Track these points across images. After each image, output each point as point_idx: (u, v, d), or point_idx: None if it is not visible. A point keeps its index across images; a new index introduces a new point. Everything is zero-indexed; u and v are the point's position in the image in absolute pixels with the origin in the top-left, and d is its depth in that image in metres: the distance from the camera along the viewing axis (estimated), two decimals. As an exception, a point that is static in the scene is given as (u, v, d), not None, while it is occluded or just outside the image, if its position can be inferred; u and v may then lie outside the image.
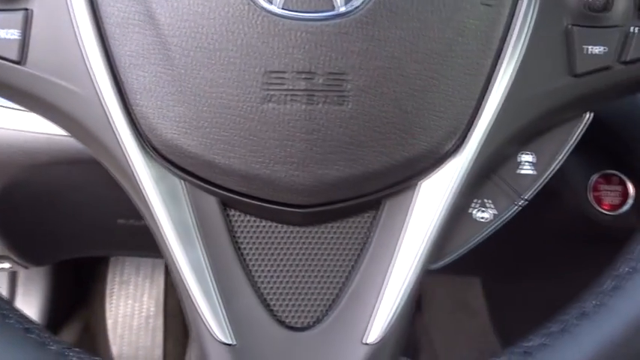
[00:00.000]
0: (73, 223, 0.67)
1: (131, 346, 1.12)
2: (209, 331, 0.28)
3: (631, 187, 0.53)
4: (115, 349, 1.10)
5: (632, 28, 0.29)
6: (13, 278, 0.99)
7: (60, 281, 1.05)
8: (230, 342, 0.28)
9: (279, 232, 0.30)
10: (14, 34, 0.28)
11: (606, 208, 0.54)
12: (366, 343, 0.29)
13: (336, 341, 0.29)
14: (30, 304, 0.99)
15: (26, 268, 0.91)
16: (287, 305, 0.30)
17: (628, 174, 0.53)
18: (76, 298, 1.13)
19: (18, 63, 0.28)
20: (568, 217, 0.59)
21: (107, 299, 1.12)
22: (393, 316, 0.29)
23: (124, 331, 1.13)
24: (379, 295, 0.29)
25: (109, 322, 1.12)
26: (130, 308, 1.13)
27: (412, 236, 0.30)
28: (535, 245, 0.69)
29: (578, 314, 0.30)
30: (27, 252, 0.75)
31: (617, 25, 0.29)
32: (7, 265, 0.74)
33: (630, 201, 0.53)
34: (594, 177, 0.55)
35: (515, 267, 0.80)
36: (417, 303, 1.18)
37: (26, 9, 0.27)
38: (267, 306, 0.30)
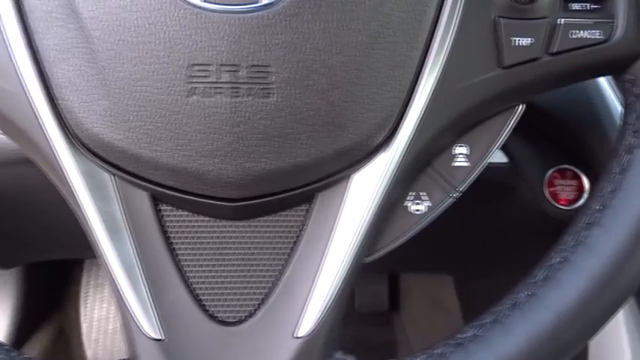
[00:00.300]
0: (34, 225, 0.66)
1: (106, 350, 1.11)
2: (137, 325, 0.28)
3: (586, 181, 0.53)
4: (90, 353, 1.08)
5: (558, 20, 0.30)
6: (-17, 283, 0.98)
7: (33, 284, 1.03)
8: (159, 337, 0.28)
9: (212, 226, 0.30)
10: None
11: (563, 203, 0.55)
12: (298, 337, 0.29)
13: (266, 335, 0.29)
14: (1, 308, 0.97)
15: (-8, 271, 0.90)
16: (219, 300, 0.30)
17: (582, 168, 0.53)
18: (51, 301, 1.12)
19: None
20: (527, 214, 0.59)
21: (82, 302, 1.11)
22: (325, 308, 0.29)
23: (99, 335, 1.12)
24: (311, 288, 0.29)
25: (84, 326, 1.11)
26: (105, 311, 1.12)
27: (345, 229, 0.30)
28: (499, 242, 0.69)
29: (511, 305, 0.30)
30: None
31: (544, 17, 0.30)
32: (-30, 268, 0.72)
33: (585, 195, 0.53)
34: (550, 172, 0.55)
35: (483, 264, 0.81)
36: (394, 303, 1.19)
37: None
38: (198, 301, 0.30)
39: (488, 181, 0.59)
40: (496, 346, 0.29)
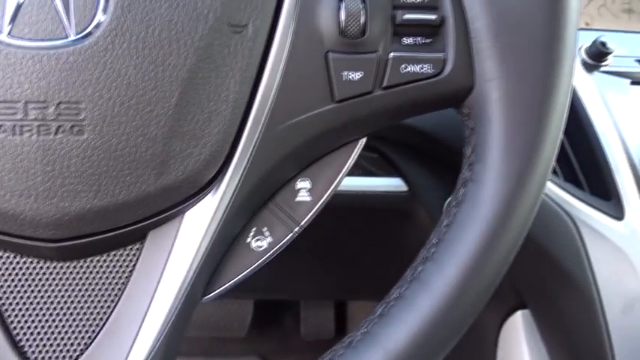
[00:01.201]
0: None
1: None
2: None
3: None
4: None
5: (389, 54, 0.30)
6: None
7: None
8: None
9: (37, 267, 0.29)
10: None
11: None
12: None
13: None
14: None
15: None
16: (42, 345, 0.28)
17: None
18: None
19: None
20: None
21: None
22: (151, 352, 0.28)
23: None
24: (138, 330, 0.28)
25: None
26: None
27: (176, 268, 0.29)
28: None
29: (347, 343, 0.30)
30: None
31: (374, 51, 0.30)
32: None
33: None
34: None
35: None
36: (341, 330, 1.18)
37: None
38: (18, 348, 0.28)
39: (391, 209, 0.59)
40: None
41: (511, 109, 0.29)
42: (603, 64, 0.54)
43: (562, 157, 0.52)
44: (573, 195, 0.49)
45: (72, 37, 0.26)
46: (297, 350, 1.19)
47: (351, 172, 0.63)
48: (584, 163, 0.51)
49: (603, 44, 0.54)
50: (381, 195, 0.55)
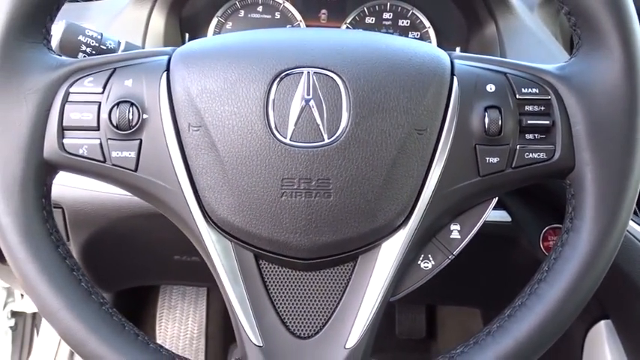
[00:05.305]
0: (141, 259, 0.86)
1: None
2: (248, 336, 0.45)
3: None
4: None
5: (517, 146, 0.45)
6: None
7: (116, 307, 1.22)
8: (260, 344, 0.45)
9: (293, 275, 0.47)
10: (132, 154, 0.45)
11: (556, 254, 0.68)
12: (346, 348, 0.45)
13: (327, 346, 0.45)
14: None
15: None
16: (297, 322, 0.46)
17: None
18: (131, 320, 1.31)
19: (134, 171, 0.46)
20: (528, 261, 0.74)
21: (157, 322, 1.29)
22: (364, 331, 0.45)
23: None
24: (355, 316, 0.45)
25: (159, 342, 1.28)
26: (176, 330, 1.30)
27: (377, 279, 0.46)
28: (512, 282, 0.83)
29: (486, 333, 0.45)
30: (101, 282, 0.94)
31: (507, 144, 0.45)
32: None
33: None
34: (545, 230, 0.69)
35: (503, 299, 0.95)
36: (431, 331, 1.32)
37: (140, 139, 0.46)
38: (284, 322, 0.46)
39: (497, 235, 0.74)
40: None
41: (601, 186, 0.44)
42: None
43: None
44: (647, 229, 0.62)
45: (327, 140, 0.44)
46: (391, 347, 1.35)
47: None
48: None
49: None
50: (489, 224, 0.70)
